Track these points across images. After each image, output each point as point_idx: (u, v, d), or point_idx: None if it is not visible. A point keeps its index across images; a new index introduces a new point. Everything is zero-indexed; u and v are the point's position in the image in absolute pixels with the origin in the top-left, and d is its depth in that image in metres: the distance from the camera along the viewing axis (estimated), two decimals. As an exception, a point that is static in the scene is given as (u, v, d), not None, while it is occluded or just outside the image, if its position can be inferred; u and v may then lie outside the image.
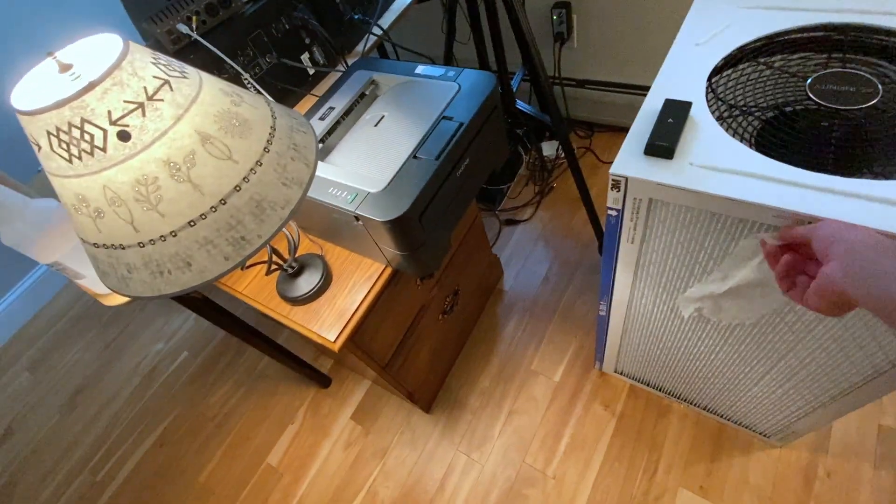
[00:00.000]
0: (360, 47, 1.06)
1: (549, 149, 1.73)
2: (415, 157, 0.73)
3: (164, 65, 0.45)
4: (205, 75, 0.49)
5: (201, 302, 1.00)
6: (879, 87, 0.55)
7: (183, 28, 0.80)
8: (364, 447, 1.26)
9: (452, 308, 1.18)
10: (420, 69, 0.88)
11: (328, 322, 0.78)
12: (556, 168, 1.71)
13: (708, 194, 0.52)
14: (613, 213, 0.64)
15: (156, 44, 0.82)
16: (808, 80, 0.58)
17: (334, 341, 0.76)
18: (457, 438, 1.21)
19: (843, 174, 0.49)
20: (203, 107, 0.46)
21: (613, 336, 0.99)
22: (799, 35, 0.64)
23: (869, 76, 0.56)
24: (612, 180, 0.59)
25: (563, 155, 1.76)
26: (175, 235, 0.46)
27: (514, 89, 1.28)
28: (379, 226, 0.68)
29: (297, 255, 0.86)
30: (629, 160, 0.58)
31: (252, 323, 1.14)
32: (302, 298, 0.80)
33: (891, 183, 0.47)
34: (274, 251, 0.78)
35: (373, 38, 1.08)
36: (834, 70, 0.58)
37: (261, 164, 0.52)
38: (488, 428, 1.21)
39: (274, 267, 0.81)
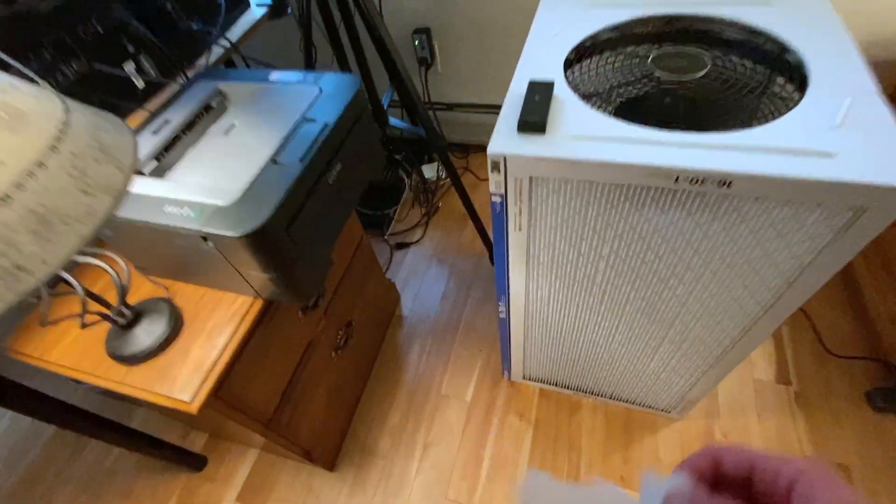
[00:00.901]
0: (204, 60, 0.94)
1: (429, 171, 1.73)
2: (274, 161, 0.63)
3: None
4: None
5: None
6: (708, 61, 0.61)
7: (-64, 24, 0.61)
8: (259, 530, 1.04)
9: (346, 342, 1.05)
10: (275, 76, 0.80)
11: (181, 379, 0.61)
12: (439, 189, 1.72)
13: (582, 161, 0.51)
14: (497, 198, 0.61)
15: None
16: (650, 58, 0.63)
17: (191, 402, 0.60)
18: (370, 490, 1.06)
19: (694, 131, 0.52)
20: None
21: (516, 338, 0.96)
22: (639, 28, 0.70)
23: (698, 53, 0.62)
24: (492, 161, 0.56)
25: (444, 175, 1.78)
26: None
27: (385, 107, 1.25)
28: (235, 243, 0.56)
29: (131, 302, 0.68)
30: (504, 140, 0.56)
31: (95, 407, 0.88)
32: (141, 355, 0.62)
33: (730, 134, 0.51)
34: (96, 297, 0.60)
35: (221, 52, 0.97)
36: (670, 50, 0.64)
37: (43, 166, 0.38)
38: (404, 470, 1.08)
39: (96, 319, 0.63)
